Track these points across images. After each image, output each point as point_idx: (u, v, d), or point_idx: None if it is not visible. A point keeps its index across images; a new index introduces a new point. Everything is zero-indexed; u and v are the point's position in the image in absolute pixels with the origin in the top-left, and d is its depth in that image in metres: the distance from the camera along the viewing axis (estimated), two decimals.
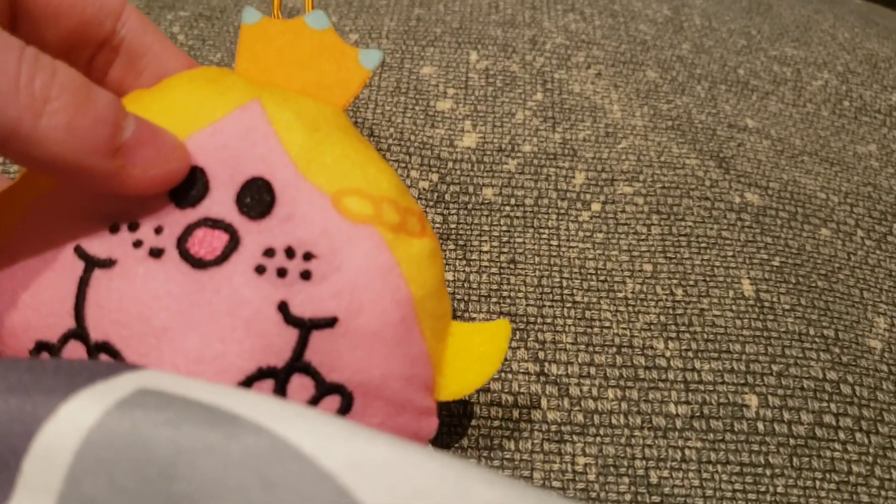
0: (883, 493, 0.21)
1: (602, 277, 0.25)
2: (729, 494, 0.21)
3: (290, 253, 0.17)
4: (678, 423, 0.22)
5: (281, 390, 0.16)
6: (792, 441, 0.22)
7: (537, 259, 0.26)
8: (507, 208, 0.27)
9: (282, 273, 0.16)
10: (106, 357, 0.16)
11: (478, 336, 0.19)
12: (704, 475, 0.21)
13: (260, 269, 0.16)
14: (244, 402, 0.12)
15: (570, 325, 0.24)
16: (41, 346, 0.16)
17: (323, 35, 0.20)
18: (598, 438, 0.22)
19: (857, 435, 0.22)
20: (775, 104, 0.32)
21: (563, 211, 0.27)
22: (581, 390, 0.22)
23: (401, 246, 0.18)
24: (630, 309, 0.24)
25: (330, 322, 0.17)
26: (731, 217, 0.27)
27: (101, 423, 0.11)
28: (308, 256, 0.17)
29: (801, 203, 0.28)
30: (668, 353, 0.23)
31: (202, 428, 0.11)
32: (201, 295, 0.16)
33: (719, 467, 0.21)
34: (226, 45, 0.32)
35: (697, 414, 0.22)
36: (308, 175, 0.17)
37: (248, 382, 0.16)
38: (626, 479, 0.21)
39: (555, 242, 0.26)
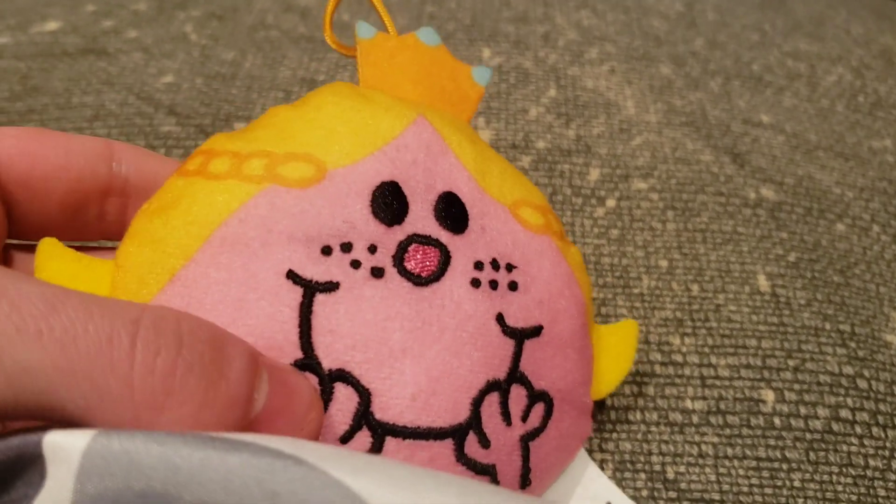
0: None
1: (618, 273, 0.25)
2: (746, 489, 0.21)
3: (495, 265, 0.17)
4: (695, 419, 0.22)
5: (504, 402, 0.16)
6: (808, 436, 0.22)
7: None
8: None
9: (494, 285, 0.17)
10: (342, 386, 0.15)
11: (613, 336, 0.20)
12: (721, 470, 0.21)
13: (475, 283, 0.17)
14: (227, 433, 0.12)
15: None
16: None
17: (436, 51, 0.20)
18: (615, 434, 0.22)
19: (874, 429, 0.22)
20: (790, 99, 0.32)
21: (577, 207, 0.27)
22: None
23: (568, 253, 0.18)
24: (646, 305, 0.25)
25: (537, 331, 0.17)
26: (746, 213, 0.27)
27: (92, 447, 0.11)
28: (510, 267, 0.17)
29: (817, 198, 0.28)
30: (684, 349, 0.23)
31: (195, 447, 0.11)
32: (429, 312, 0.16)
33: (736, 462, 0.21)
34: (238, 44, 0.32)
35: (714, 409, 0.22)
36: (486, 188, 0.18)
37: (479, 397, 0.16)
38: (643, 475, 0.21)
39: (570, 239, 0.26)
